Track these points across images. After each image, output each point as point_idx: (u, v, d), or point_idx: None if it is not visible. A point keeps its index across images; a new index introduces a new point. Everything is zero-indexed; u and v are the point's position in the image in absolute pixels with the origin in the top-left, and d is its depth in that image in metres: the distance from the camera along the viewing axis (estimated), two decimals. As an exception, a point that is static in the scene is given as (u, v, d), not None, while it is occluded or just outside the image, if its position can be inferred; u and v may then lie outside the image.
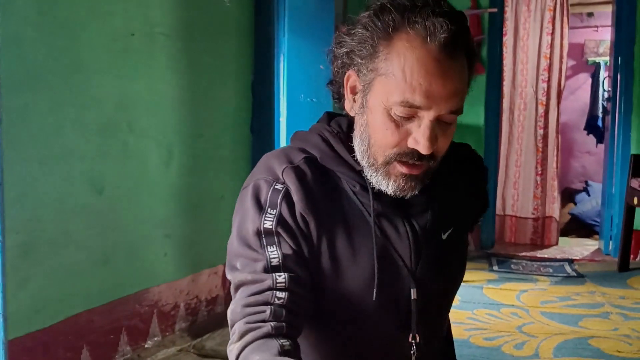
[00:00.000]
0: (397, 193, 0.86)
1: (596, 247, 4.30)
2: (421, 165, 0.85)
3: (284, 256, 0.85)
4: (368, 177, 0.88)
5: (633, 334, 2.31)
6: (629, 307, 2.71)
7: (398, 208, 0.91)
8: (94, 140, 1.80)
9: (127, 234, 1.95)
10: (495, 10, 3.99)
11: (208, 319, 2.39)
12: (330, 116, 0.96)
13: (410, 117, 0.81)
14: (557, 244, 4.45)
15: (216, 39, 2.43)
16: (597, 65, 5.53)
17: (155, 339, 2.08)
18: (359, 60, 0.84)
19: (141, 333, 2.02)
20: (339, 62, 0.88)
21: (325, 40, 3.19)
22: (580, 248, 4.33)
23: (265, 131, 2.76)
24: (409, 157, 0.83)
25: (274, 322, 0.81)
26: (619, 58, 3.81)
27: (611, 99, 3.96)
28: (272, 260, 0.85)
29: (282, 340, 0.80)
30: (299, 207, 0.86)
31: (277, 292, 0.83)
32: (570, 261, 3.83)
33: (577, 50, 5.80)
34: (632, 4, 3.71)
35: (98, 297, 1.84)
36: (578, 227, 5.29)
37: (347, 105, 0.90)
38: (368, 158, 0.86)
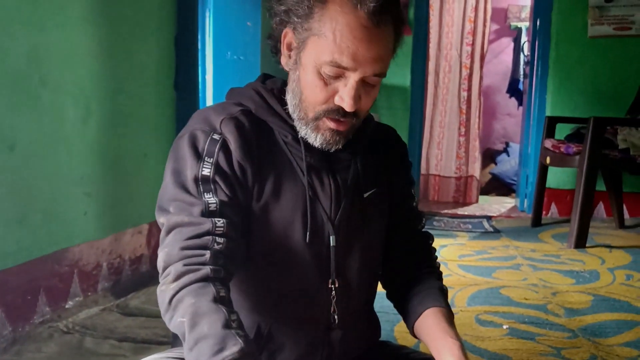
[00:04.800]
0: (324, 146, 0.94)
1: (513, 204, 4.54)
2: (346, 121, 0.92)
3: (221, 202, 0.89)
4: (298, 129, 0.95)
5: (540, 283, 2.49)
6: (538, 259, 2.90)
7: (324, 162, 0.98)
8: (2, 94, 1.71)
9: (43, 192, 1.88)
10: (422, -29, 4.03)
11: (132, 278, 2.37)
12: (265, 77, 1.02)
13: (337, 77, 0.88)
14: (477, 202, 4.67)
15: (136, -9, 2.33)
16: (519, 30, 5.71)
17: (77, 299, 2.04)
18: (296, 19, 0.90)
19: (61, 293, 1.98)
20: (278, 19, 0.94)
21: (252, -3, 3.14)
22: (499, 205, 4.57)
23: (190, 89, 2.70)
24: (335, 113, 0.90)
25: (213, 266, 0.84)
26: (537, 23, 3.96)
27: (529, 63, 4.13)
28: (210, 205, 0.88)
29: (218, 286, 0.82)
30: (236, 155, 0.91)
31: (217, 238, 0.86)
32: (489, 218, 4.03)
33: (501, 15, 5.97)
34: (551, -29, 3.85)
35: (13, 257, 1.77)
36: (498, 186, 5.56)
37: (283, 60, 0.96)
38: (299, 112, 0.93)
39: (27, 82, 1.80)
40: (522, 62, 5.26)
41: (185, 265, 0.83)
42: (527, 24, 5.34)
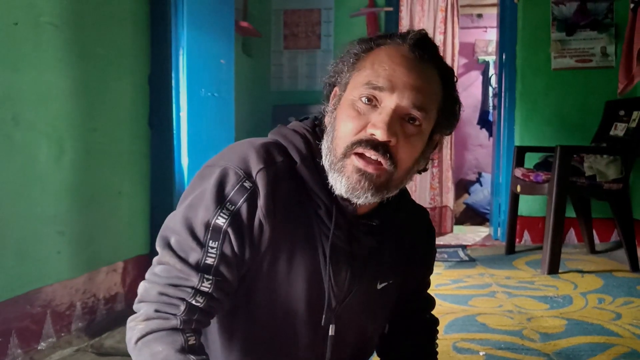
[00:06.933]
0: (350, 192, 0.85)
1: (487, 233, 4.60)
2: (377, 163, 0.84)
3: (221, 257, 0.84)
4: (330, 181, 0.87)
5: (515, 309, 2.52)
6: (513, 286, 2.94)
7: (348, 245, 0.92)
8: (-25, 133, 1.71)
9: (15, 231, 1.86)
10: (391, 9, 4.16)
11: (107, 317, 2.33)
12: (314, 121, 0.96)
13: (373, 105, 0.84)
14: (452, 231, 4.72)
15: (109, 30, 2.36)
16: (486, 64, 5.89)
17: (50, 340, 2.01)
18: (343, 70, 0.90)
19: (34, 335, 1.94)
20: (329, 83, 0.94)
21: (225, 35, 3.20)
22: (473, 235, 4.62)
23: (165, 126, 2.72)
24: (365, 144, 0.83)
25: (185, 318, 0.82)
26: (503, 57, 4.09)
27: (497, 95, 4.24)
28: (208, 257, 0.83)
29: (188, 334, 0.82)
30: (260, 212, 0.84)
31: (198, 296, 0.83)
32: (464, 247, 4.07)
33: (469, 49, 6.16)
34: (513, 7, 4.01)
35: (-16, 299, 1.75)
36: (472, 215, 5.63)
37: (327, 119, 0.92)
38: (330, 154, 0.86)
39: (-1, 122, 1.80)
40: (490, 94, 5.41)
41: (156, 310, 0.82)
42: (494, 57, 5.51)
